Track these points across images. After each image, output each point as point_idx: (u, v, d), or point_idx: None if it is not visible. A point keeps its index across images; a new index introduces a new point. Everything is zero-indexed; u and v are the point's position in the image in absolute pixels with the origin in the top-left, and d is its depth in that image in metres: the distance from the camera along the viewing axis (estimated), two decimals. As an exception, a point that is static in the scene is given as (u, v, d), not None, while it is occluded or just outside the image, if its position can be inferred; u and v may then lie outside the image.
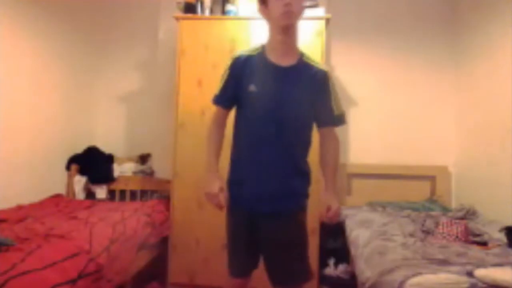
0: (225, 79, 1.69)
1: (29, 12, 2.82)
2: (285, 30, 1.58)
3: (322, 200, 1.65)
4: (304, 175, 1.69)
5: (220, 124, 1.73)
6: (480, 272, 1.51)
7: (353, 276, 2.52)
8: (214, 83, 3.13)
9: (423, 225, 2.50)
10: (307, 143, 1.70)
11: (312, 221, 2.73)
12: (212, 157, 1.67)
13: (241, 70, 1.63)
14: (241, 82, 1.62)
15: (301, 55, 1.67)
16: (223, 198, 1.62)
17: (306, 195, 1.70)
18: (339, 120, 1.69)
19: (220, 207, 1.62)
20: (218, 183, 1.61)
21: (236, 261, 1.76)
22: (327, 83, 1.65)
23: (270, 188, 1.62)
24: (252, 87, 1.60)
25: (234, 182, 1.70)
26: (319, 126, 1.71)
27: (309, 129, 1.70)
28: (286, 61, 1.63)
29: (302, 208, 1.70)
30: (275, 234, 1.61)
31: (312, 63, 1.67)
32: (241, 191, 1.66)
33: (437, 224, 2.40)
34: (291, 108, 1.59)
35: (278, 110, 1.58)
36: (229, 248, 1.77)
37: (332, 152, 1.69)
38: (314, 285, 2.71)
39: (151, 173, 3.47)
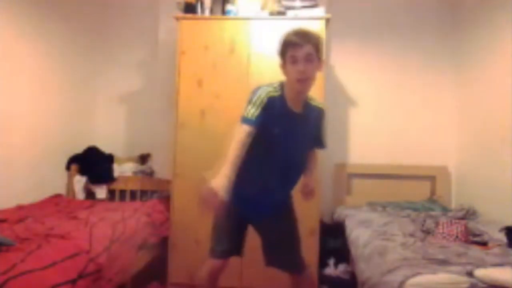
0: (259, 107, 1.72)
1: (29, 12, 2.82)
2: (299, 91, 1.78)
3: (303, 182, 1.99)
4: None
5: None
6: (480, 272, 1.51)
7: (353, 276, 2.52)
8: (214, 83, 3.11)
9: (423, 225, 2.50)
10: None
11: (312, 221, 2.75)
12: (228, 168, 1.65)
13: (267, 107, 1.74)
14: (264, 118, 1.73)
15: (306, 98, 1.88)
16: None
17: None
18: (322, 146, 2.05)
19: None
20: None
21: None
22: (323, 119, 1.96)
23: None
24: (275, 128, 1.78)
25: None
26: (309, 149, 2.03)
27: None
28: (297, 108, 1.83)
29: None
30: None
31: (314, 104, 1.90)
32: None
33: (437, 224, 2.40)
34: (300, 148, 1.90)
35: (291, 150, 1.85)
36: None
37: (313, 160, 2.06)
38: (314, 285, 2.71)
39: (151, 173, 3.47)
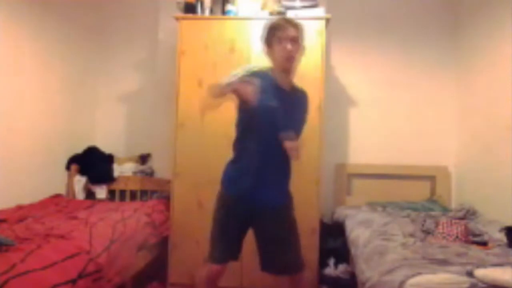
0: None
1: (29, 12, 2.82)
2: (287, 70, 1.92)
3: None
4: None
5: None
6: (480, 272, 1.50)
7: (353, 276, 2.52)
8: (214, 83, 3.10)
9: (423, 225, 2.50)
10: None
11: (312, 221, 2.75)
12: None
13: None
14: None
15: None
16: None
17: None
18: (298, 131, 1.92)
19: None
20: None
21: None
22: (307, 103, 2.03)
23: None
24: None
25: None
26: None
27: None
28: (287, 87, 1.95)
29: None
30: None
31: (299, 88, 2.02)
32: None
33: (437, 224, 2.40)
34: (289, 125, 1.85)
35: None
36: None
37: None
38: (314, 285, 2.71)
39: (151, 173, 3.47)
